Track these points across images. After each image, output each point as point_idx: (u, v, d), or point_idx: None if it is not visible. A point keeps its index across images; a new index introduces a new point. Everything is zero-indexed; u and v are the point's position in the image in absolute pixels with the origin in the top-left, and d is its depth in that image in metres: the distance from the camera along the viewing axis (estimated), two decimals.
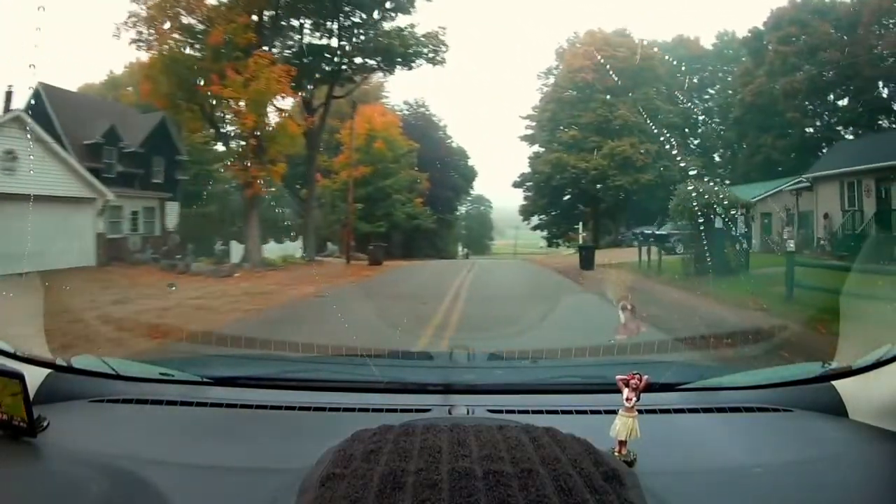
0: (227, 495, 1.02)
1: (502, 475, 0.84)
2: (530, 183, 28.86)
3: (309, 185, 21.12)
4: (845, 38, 22.67)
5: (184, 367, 1.74)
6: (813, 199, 18.39)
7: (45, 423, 1.18)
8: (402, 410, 1.36)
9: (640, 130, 25.61)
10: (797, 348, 4.35)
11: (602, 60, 25.64)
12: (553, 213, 29.10)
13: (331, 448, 0.98)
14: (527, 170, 29.19)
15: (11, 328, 1.85)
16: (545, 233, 30.02)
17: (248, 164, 16.30)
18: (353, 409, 1.42)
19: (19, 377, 1.13)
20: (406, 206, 24.80)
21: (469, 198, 33.32)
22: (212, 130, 19.19)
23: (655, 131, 25.92)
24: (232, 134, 18.75)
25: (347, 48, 19.98)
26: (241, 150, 17.36)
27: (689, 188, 13.71)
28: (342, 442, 0.98)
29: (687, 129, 28.45)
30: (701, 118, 29.65)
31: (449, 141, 29.84)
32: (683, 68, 28.42)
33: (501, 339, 5.73)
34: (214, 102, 17.21)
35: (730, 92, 27.63)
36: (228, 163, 20.20)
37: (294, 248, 21.36)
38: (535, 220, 29.65)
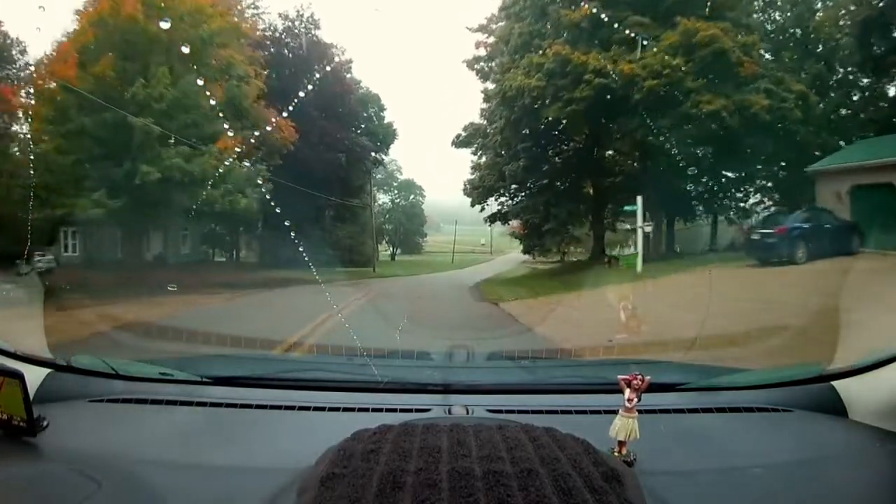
0: (226, 495, 1.02)
1: (502, 475, 0.84)
2: (486, 137, 14.74)
3: None
4: None
5: (183, 366, 1.73)
6: None
7: (44, 423, 1.18)
8: (402, 410, 1.36)
9: (726, 13, 12.38)
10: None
11: None
12: (533, 190, 14.77)
13: (331, 448, 0.98)
14: (476, 119, 15.35)
15: None
16: (513, 224, 16.61)
17: None
18: (352, 409, 1.42)
19: (19, 377, 1.13)
20: (187, 160, 10.81)
21: (396, 184, 24.15)
22: None
23: (758, 17, 13.16)
24: None
25: None
26: None
27: None
28: (342, 441, 0.98)
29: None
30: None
31: (358, 85, 18.54)
32: None
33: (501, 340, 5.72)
34: None
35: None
36: None
37: None
38: (492, 204, 15.62)
